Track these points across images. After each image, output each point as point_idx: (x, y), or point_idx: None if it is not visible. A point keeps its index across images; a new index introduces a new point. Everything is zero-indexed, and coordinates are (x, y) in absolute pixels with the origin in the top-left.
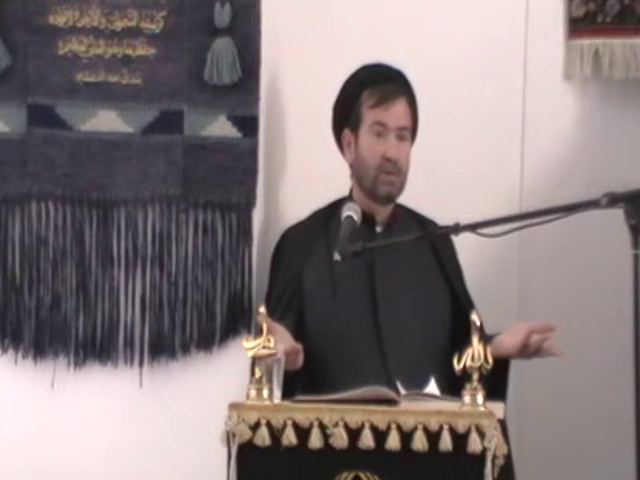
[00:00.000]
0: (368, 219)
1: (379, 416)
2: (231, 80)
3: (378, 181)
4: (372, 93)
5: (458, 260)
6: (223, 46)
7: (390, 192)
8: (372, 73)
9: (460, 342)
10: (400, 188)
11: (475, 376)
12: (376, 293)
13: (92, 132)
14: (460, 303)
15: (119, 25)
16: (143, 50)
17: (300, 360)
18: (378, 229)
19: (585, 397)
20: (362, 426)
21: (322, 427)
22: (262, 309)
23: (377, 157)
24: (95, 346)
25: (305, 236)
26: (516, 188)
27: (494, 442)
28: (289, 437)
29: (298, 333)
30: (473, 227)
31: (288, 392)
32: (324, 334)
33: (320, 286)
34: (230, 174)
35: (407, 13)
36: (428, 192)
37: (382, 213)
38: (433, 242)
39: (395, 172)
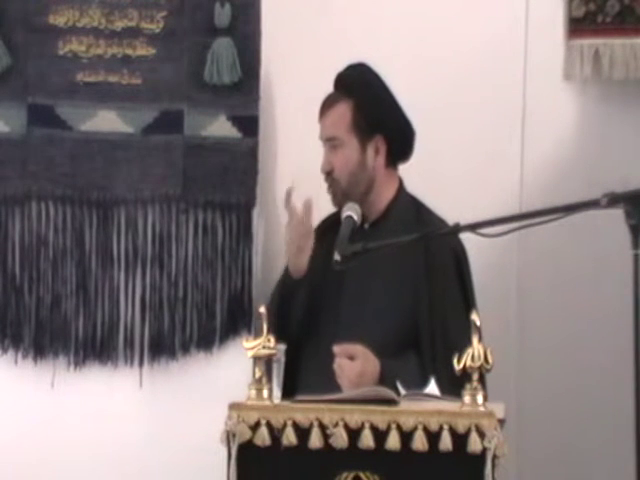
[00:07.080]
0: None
1: (379, 416)
2: (231, 80)
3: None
4: None
5: (458, 277)
6: (223, 46)
7: (334, 206)
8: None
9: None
10: (342, 198)
11: (475, 376)
12: (343, 288)
13: (92, 132)
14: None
15: (119, 25)
16: (143, 50)
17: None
18: (366, 226)
19: (585, 397)
20: (362, 426)
21: (322, 427)
22: (262, 309)
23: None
24: (95, 346)
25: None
26: (516, 188)
27: (494, 442)
28: (289, 437)
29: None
30: (473, 227)
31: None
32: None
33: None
34: (230, 174)
35: (407, 14)
36: (428, 192)
37: (369, 210)
38: (429, 249)
39: (332, 185)
